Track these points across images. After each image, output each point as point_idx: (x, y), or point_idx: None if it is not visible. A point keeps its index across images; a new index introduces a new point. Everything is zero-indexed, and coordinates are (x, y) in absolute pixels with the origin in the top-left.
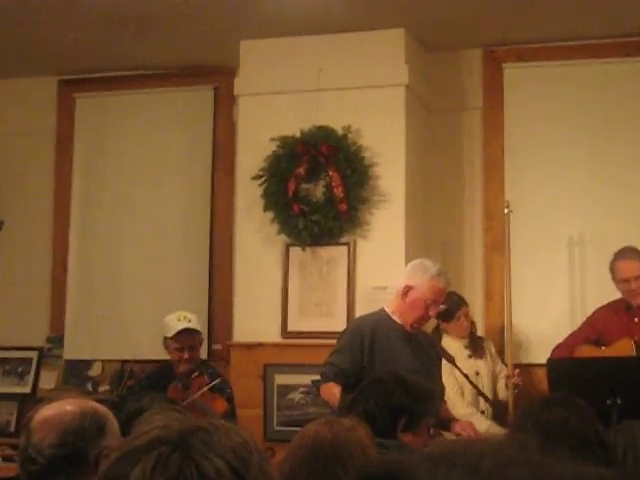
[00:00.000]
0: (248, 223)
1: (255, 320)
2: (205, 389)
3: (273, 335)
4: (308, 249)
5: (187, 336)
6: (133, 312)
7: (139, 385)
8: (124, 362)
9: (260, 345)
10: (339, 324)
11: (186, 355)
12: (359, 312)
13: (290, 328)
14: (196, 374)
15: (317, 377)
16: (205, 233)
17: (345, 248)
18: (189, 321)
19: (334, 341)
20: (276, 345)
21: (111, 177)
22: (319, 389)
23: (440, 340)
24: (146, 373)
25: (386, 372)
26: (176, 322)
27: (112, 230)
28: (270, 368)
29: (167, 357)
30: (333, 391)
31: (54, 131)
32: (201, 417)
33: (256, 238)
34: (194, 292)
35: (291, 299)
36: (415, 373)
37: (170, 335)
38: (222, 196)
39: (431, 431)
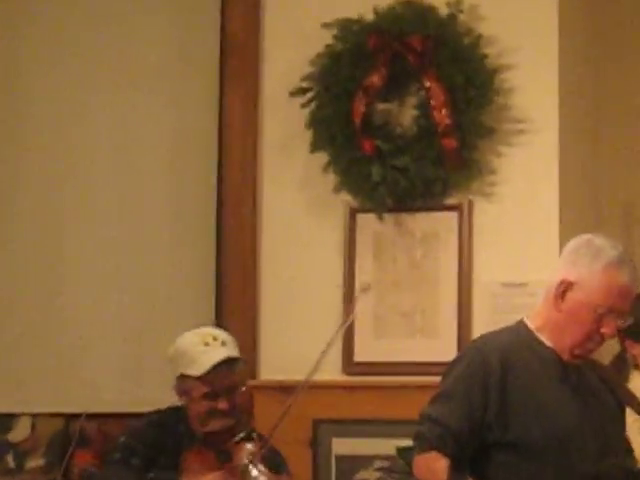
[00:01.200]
0: (282, 175)
1: (296, 344)
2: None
3: (329, 369)
4: (389, 218)
5: (227, 372)
6: (85, 332)
7: (129, 450)
8: (69, 418)
9: (307, 386)
10: (445, 349)
11: (223, 404)
12: (480, 328)
13: (359, 357)
14: (241, 436)
15: (407, 443)
16: (208, 199)
17: (454, 216)
18: (222, 344)
19: (437, 379)
20: (334, 387)
21: (42, 100)
22: (411, 463)
23: (626, 376)
24: (135, 431)
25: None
26: (203, 348)
27: (44, 197)
28: (324, 427)
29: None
30: (435, 466)
31: None
32: None
33: (297, 201)
34: (191, 297)
35: (360, 306)
36: (581, 436)
37: (199, 373)
38: (236, 130)
39: None
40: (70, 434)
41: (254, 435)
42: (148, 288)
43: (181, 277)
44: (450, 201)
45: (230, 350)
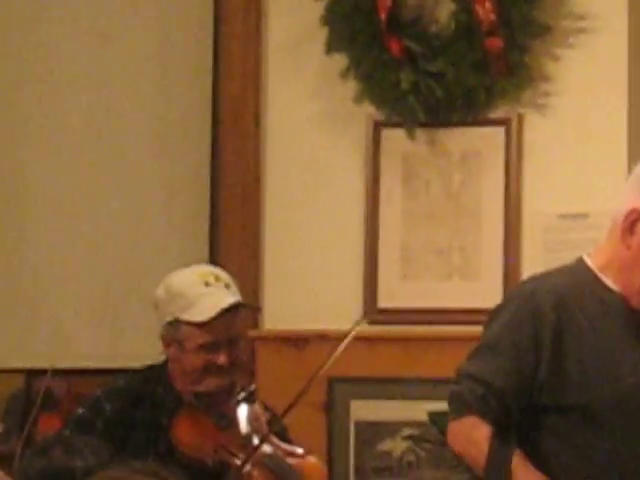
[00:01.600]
0: (290, 84)
1: (305, 288)
2: (266, 430)
3: (347, 317)
4: (421, 134)
5: (231, 320)
6: (51, 271)
7: (102, 417)
8: (32, 375)
9: (321, 337)
10: (488, 293)
11: (224, 358)
12: (530, 268)
13: (383, 303)
14: (243, 396)
15: (441, 406)
16: (203, 115)
17: (500, 132)
18: (227, 286)
19: (477, 329)
20: (354, 338)
21: None
22: (445, 431)
23: None
24: (112, 391)
25: None
26: (203, 290)
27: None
28: (341, 387)
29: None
30: (475, 435)
31: None
32: None
33: (308, 115)
34: (180, 231)
35: (385, 241)
36: None
37: (200, 319)
38: (235, 30)
39: None
40: (32, 395)
41: (256, 395)
42: (128, 220)
43: (169, 207)
44: (495, 114)
45: (235, 294)
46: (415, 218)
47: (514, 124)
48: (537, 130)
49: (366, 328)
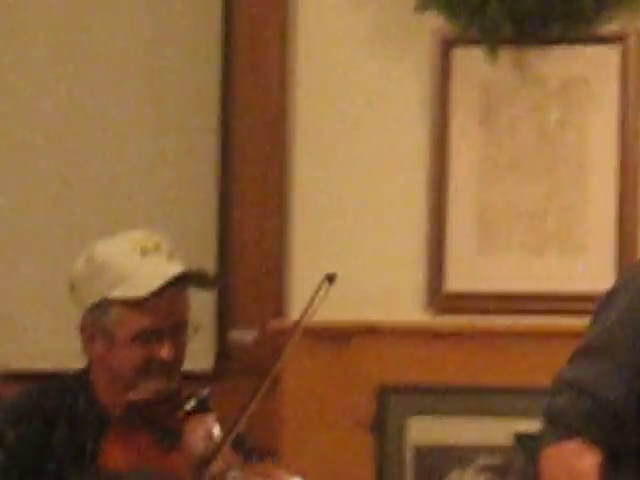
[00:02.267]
0: None
1: (350, 266)
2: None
3: (404, 304)
4: (505, 55)
5: (177, 298)
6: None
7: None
8: None
9: (368, 332)
10: (595, 273)
11: (167, 352)
12: None
13: (452, 285)
14: (191, 405)
15: (531, 426)
16: (210, 23)
17: (613, 53)
18: (170, 255)
19: (582, 322)
20: (413, 332)
21: None
22: (536, 459)
23: None
24: (14, 410)
25: None
26: (139, 260)
27: None
28: (396, 400)
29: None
30: (579, 465)
31: None
32: None
33: (353, 26)
34: (179, 200)
35: (456, 202)
36: None
37: (139, 295)
38: None
39: None
40: None
41: (210, 403)
42: (106, 174)
43: (161, 176)
44: (606, 29)
45: (181, 265)
46: (497, 170)
47: (631, 42)
48: None
49: (429, 318)
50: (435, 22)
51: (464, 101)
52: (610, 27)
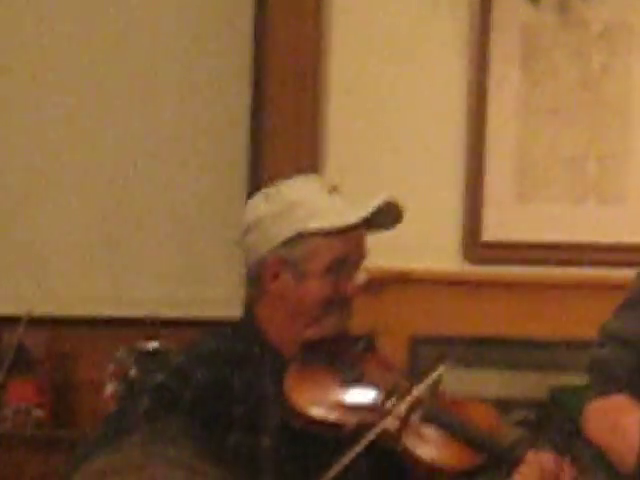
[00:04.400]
0: None
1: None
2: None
3: (440, 253)
4: None
5: (362, 237)
6: (31, 199)
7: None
8: (1, 325)
9: (402, 280)
10: (637, 223)
11: (352, 286)
12: None
13: (490, 234)
14: (363, 342)
15: (570, 381)
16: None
17: None
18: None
19: (626, 274)
20: (449, 283)
21: None
22: (575, 415)
23: None
24: (199, 354)
25: None
26: (327, 197)
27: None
28: (428, 350)
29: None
30: (624, 422)
31: None
32: None
33: None
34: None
35: (494, 147)
36: None
37: (337, 224)
38: None
39: None
40: (1, 350)
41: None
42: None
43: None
44: None
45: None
46: (537, 116)
47: None
48: None
49: (466, 268)
50: None
51: (504, 45)
52: None
